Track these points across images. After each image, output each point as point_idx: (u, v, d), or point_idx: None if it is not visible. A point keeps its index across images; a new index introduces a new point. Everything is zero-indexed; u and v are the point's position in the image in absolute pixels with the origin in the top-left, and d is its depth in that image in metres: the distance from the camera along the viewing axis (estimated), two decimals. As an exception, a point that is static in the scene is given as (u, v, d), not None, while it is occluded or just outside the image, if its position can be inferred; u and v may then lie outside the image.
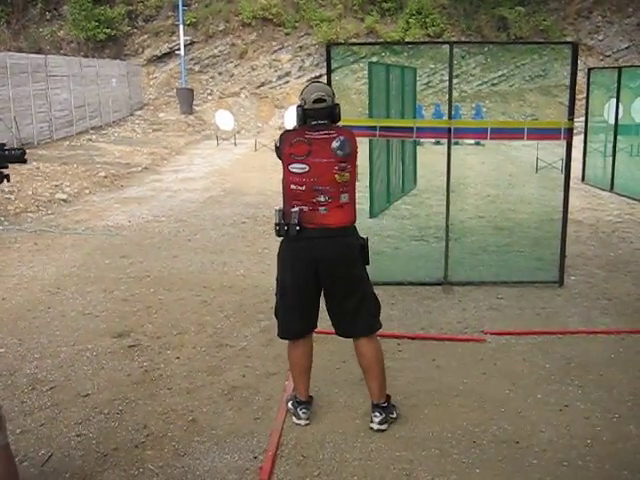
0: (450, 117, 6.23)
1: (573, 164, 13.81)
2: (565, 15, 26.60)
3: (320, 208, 3.65)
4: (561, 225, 6.65)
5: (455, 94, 24.00)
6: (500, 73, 24.47)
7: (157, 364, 4.79)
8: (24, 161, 3.11)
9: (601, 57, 25.78)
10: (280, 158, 3.76)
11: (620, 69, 12.61)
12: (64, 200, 11.03)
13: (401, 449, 3.68)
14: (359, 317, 3.82)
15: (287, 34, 26.34)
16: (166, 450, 3.69)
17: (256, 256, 7.72)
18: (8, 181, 3.09)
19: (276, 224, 3.72)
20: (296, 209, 3.65)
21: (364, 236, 3.85)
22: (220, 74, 26.11)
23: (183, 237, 8.73)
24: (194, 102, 24.69)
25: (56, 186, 11.73)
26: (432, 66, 24.28)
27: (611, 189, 12.16)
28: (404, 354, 4.94)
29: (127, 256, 7.73)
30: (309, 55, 25.94)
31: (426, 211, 10.01)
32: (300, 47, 26.01)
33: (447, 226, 6.70)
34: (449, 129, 6.11)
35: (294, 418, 3.98)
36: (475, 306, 5.99)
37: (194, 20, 26.57)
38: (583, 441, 3.77)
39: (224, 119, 18.84)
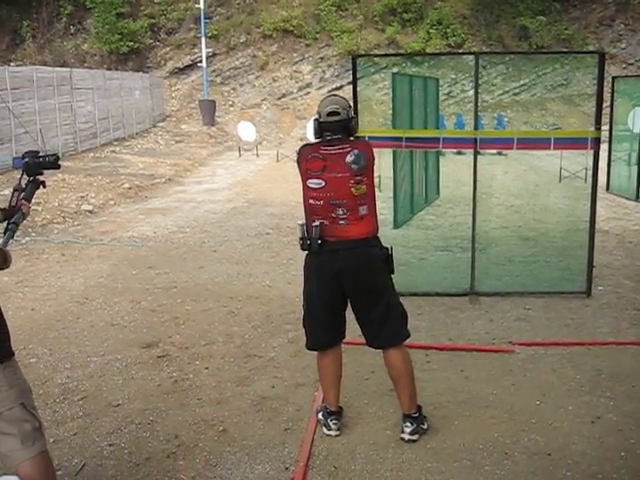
0: (476, 127, 6.23)
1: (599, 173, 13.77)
2: (587, 24, 26.49)
3: (340, 221, 3.68)
4: (588, 235, 6.57)
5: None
6: (522, 82, 24.42)
7: (186, 374, 4.82)
8: (58, 167, 3.15)
9: (624, 65, 25.62)
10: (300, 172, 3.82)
11: (645, 78, 12.51)
12: (90, 211, 11.15)
13: (432, 460, 3.66)
14: (386, 326, 3.81)
15: (308, 45, 26.48)
16: (198, 460, 3.71)
17: (281, 267, 7.74)
18: (44, 187, 3.14)
19: (300, 238, 3.77)
20: (317, 223, 3.67)
21: (388, 246, 3.84)
22: (241, 85, 26.31)
23: (208, 248, 8.78)
24: (216, 114, 24.87)
25: (82, 197, 11.86)
26: (453, 76, 24.28)
27: (637, 198, 12.06)
28: (432, 365, 4.93)
29: (153, 267, 7.79)
30: (330, 66, 26.04)
31: (450, 221, 9.99)
32: (321, 58, 26.13)
33: (473, 236, 6.70)
34: (475, 139, 6.11)
35: (324, 429, 3.98)
36: (502, 317, 5.96)
37: (215, 32, 26.81)
38: (617, 454, 3.73)
39: (246, 130, 18.95)
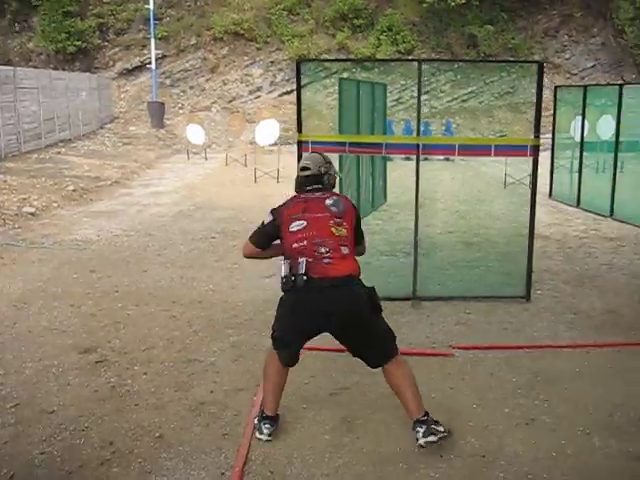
0: (419, 133, 6.30)
1: (541, 180, 14.04)
2: (533, 34, 27.06)
3: (324, 260, 3.78)
4: (528, 240, 6.68)
5: (425, 110, 24.28)
6: (470, 90, 24.79)
7: (124, 380, 4.75)
8: None
9: (568, 75, 26.24)
10: (277, 233, 3.97)
11: (586, 87, 12.85)
12: (31, 214, 10.91)
13: (369, 464, 3.68)
14: (374, 351, 3.98)
15: (259, 49, 26.45)
16: (132, 467, 3.65)
17: (226, 271, 7.70)
18: None
19: (283, 276, 3.82)
20: (302, 259, 3.77)
21: (370, 285, 3.94)
22: (191, 88, 26.11)
23: (152, 251, 8.67)
24: (165, 116, 24.62)
25: (24, 199, 11.60)
26: (403, 82, 24.49)
27: (577, 205, 12.35)
28: (372, 369, 4.94)
29: (95, 271, 7.66)
30: (280, 70, 26.04)
31: (395, 226, 10.06)
32: (272, 62, 26.11)
33: (415, 242, 6.77)
34: (418, 145, 6.17)
35: (257, 433, 3.96)
36: (443, 321, 6.04)
37: (165, 34, 26.57)
38: (548, 454, 3.81)
39: (195, 133, 18.81)
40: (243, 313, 6.21)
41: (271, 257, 4.29)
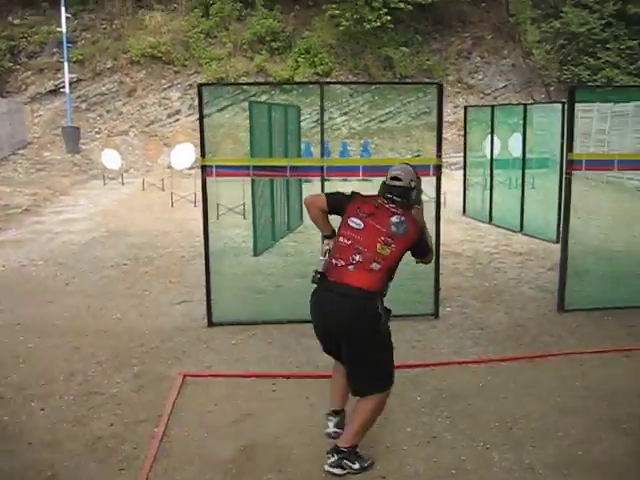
0: (322, 155, 6.34)
1: (455, 198, 14.35)
2: (447, 55, 27.76)
3: (349, 266, 3.78)
4: (434, 258, 6.75)
5: (344, 131, 24.59)
6: (387, 110, 25.17)
7: (19, 417, 4.55)
8: None
9: (481, 95, 26.99)
10: (341, 211, 3.98)
11: (493, 107, 13.24)
12: None
13: (268, 492, 3.63)
14: (354, 377, 3.94)
15: (177, 72, 26.20)
16: (20, 510, 3.49)
17: (135, 298, 7.53)
18: None
19: (314, 272, 3.95)
20: (324, 258, 3.97)
21: (389, 307, 3.87)
22: (108, 112, 25.63)
23: (60, 281, 8.41)
24: (81, 141, 24.08)
25: None
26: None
27: (490, 221, 12.66)
28: (278, 394, 4.91)
29: (-3, 303, 7.37)
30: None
31: (311, 247, 10.02)
32: (190, 85, 25.87)
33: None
34: (321, 167, 6.20)
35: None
36: (352, 341, 6.04)
37: (80, 57, 26.04)
38: (448, 472, 3.84)
39: (111, 158, 18.44)
40: (149, 341, 6.07)
41: (318, 225, 4.20)
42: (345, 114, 24.84)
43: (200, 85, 6.29)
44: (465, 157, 14.04)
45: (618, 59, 26.68)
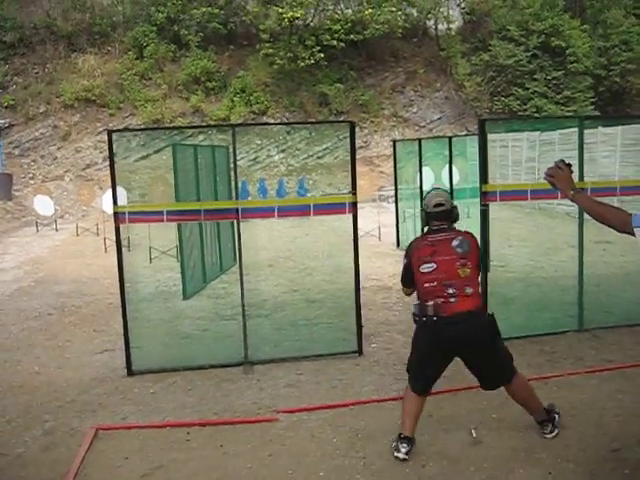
0: (237, 197, 6.32)
1: (391, 231, 14.43)
2: (381, 90, 28.25)
3: (451, 299, 4.29)
4: (354, 294, 6.78)
5: (282, 168, 24.70)
6: (324, 146, 25.41)
7: None
8: None
9: (417, 128, 27.50)
10: (410, 268, 4.49)
11: (420, 140, 13.46)
12: None
13: None
14: (498, 374, 4.52)
15: (112, 115, 26.03)
16: None
17: (56, 350, 7.33)
18: None
19: (415, 315, 4.50)
20: (431, 303, 4.33)
21: (491, 312, 4.55)
22: (42, 157, 25.25)
23: (-21, 335, 8.15)
24: (14, 187, 23.63)
25: None
26: (258, 142, 24.84)
27: (422, 253, 12.76)
28: (192, 443, 4.81)
29: None
30: (135, 135, 25.67)
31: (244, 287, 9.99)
32: (126, 128, 25.75)
33: (243, 305, 6.71)
34: (237, 209, 6.18)
35: (395, 452, 4.43)
36: (273, 384, 5.98)
37: (12, 102, 25.68)
38: (357, 516, 3.79)
39: (43, 204, 18.13)
40: (65, 395, 5.90)
41: None
42: (283, 151, 24.99)
43: (110, 131, 6.23)
44: (396, 190, 14.21)
45: (545, 89, 27.56)
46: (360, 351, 6.73)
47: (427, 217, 4.52)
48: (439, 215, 4.46)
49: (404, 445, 4.42)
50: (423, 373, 4.55)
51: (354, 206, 6.35)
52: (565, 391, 5.61)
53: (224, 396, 5.73)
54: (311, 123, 26.94)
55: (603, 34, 29.77)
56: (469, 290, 4.33)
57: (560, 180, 3.58)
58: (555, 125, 16.98)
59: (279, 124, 25.45)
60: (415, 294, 4.62)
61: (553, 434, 4.59)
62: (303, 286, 10.10)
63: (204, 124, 24.23)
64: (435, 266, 4.33)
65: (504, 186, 8.22)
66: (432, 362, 4.52)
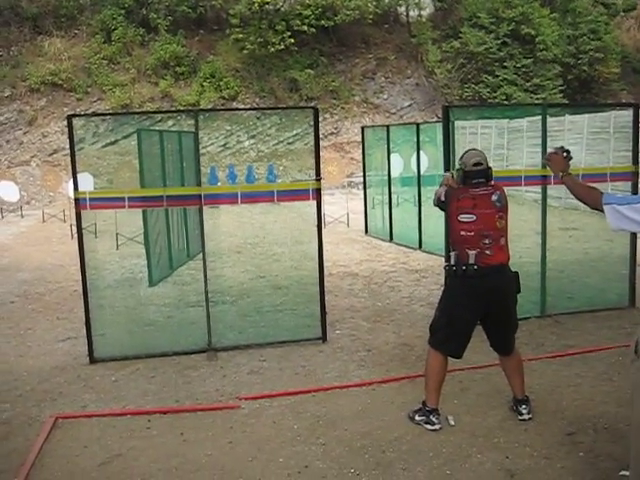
0: (199, 184, 6.27)
1: (360, 217, 14.45)
2: (352, 76, 28.20)
3: (486, 250, 4.52)
4: (318, 281, 6.77)
5: (252, 154, 24.58)
6: (295, 132, 25.32)
7: None
8: None
9: (387, 114, 27.51)
10: (445, 209, 4.73)
11: (388, 127, 13.47)
12: None
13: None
14: (506, 341, 4.81)
15: (79, 99, 25.67)
16: None
17: (17, 338, 7.23)
18: None
19: (452, 265, 4.62)
20: (473, 252, 4.51)
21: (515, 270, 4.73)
22: (8, 142, 24.83)
23: (-62, 324, 8.01)
24: (-21, 173, 23.24)
25: None
26: (228, 128, 24.68)
27: (391, 239, 12.82)
28: (152, 431, 4.78)
29: None
30: (103, 120, 25.36)
31: (209, 274, 9.93)
32: (94, 112, 25.41)
33: (206, 291, 6.67)
34: (199, 196, 6.13)
35: (428, 426, 4.64)
36: (236, 371, 5.96)
37: (-24, 86, 25.23)
38: (315, 502, 3.80)
39: (8, 190, 17.83)
40: (25, 384, 5.83)
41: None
42: (253, 137, 24.86)
43: (70, 116, 6.14)
44: (365, 177, 14.22)
45: (515, 77, 27.71)
46: (324, 337, 6.74)
47: (464, 175, 4.64)
48: (478, 173, 4.61)
49: (436, 417, 4.69)
50: (456, 332, 4.66)
51: (318, 193, 6.33)
52: (526, 377, 5.66)
53: (186, 383, 5.70)
54: (274, 109, 26.69)
55: (572, 23, 29.99)
56: (502, 241, 4.60)
57: (554, 163, 4.11)
58: (523, 112, 17.06)
59: (242, 109, 25.07)
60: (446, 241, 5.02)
61: (530, 415, 4.76)
62: (270, 272, 10.09)
63: (168, 109, 23.91)
64: (475, 218, 4.53)
65: (468, 173, 8.22)
66: (467, 317, 4.64)
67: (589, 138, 16.88)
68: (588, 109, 18.31)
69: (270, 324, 7.30)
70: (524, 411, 4.78)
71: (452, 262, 4.62)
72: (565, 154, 4.10)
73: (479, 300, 4.58)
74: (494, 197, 4.57)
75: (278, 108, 25.41)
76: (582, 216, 13.59)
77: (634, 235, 7.42)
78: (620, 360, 5.89)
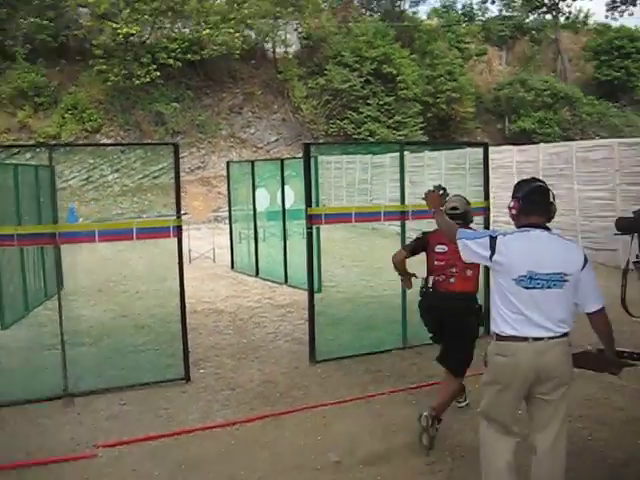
0: (56, 222, 6.02)
1: (227, 252, 14.30)
2: (219, 111, 28.25)
3: (450, 279, 5.18)
4: (180, 319, 6.64)
5: (117, 188, 23.96)
6: (161, 166, 24.93)
7: None
8: None
9: (254, 149, 27.71)
10: (423, 247, 5.37)
11: (253, 162, 13.55)
12: None
13: None
14: (448, 357, 5.30)
15: None
16: None
17: None
18: None
19: (421, 287, 5.37)
20: (437, 278, 5.24)
21: (480, 304, 5.36)
22: None
23: None
24: None
25: None
26: (91, 161, 23.98)
27: (257, 275, 12.81)
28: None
29: None
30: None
31: (68, 315, 9.52)
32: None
33: (62, 333, 6.40)
34: (54, 234, 5.87)
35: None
36: (94, 417, 5.71)
37: None
38: None
39: None
40: None
41: (400, 272, 5.50)
42: (117, 171, 24.26)
43: None
44: (230, 212, 14.19)
45: (378, 114, 28.76)
46: (188, 377, 6.59)
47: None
48: (453, 217, 4.93)
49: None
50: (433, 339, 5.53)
51: (179, 230, 6.23)
52: (388, 408, 5.80)
53: (40, 434, 5.39)
54: (134, 145, 25.67)
55: (430, 64, 31.61)
56: (469, 273, 5.15)
57: (429, 199, 4.49)
58: (385, 149, 17.72)
59: (101, 145, 23.78)
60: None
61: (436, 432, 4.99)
62: (133, 311, 9.78)
63: (22, 143, 22.79)
64: (447, 249, 5.08)
65: (329, 209, 8.45)
66: (426, 324, 5.42)
67: (447, 173, 17.70)
68: (442, 147, 19.25)
69: (131, 366, 7.05)
70: (434, 425, 4.99)
71: (421, 284, 5.36)
72: (441, 192, 4.53)
73: (434, 318, 5.29)
74: None
75: (138, 144, 24.71)
76: (441, 248, 14.17)
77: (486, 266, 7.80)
78: (477, 387, 6.14)
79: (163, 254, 15.88)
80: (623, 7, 46.41)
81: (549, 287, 3.51)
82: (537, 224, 3.64)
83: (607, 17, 53.81)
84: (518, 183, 3.86)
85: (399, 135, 28.13)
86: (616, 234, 4.39)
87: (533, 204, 3.66)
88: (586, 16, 47.10)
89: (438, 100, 30.78)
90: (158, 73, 25.69)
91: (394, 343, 7.69)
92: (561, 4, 43.16)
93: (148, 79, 25.66)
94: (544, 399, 3.59)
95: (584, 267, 3.58)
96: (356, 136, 28.10)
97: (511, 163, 16.06)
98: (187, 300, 9.54)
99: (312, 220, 6.92)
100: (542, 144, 16.89)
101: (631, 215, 4.18)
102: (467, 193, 5.78)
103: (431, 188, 4.58)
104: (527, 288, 3.53)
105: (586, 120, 34.25)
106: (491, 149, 9.83)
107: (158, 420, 5.65)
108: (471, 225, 5.39)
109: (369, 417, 5.63)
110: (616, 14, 46.72)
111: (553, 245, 3.60)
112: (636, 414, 5.53)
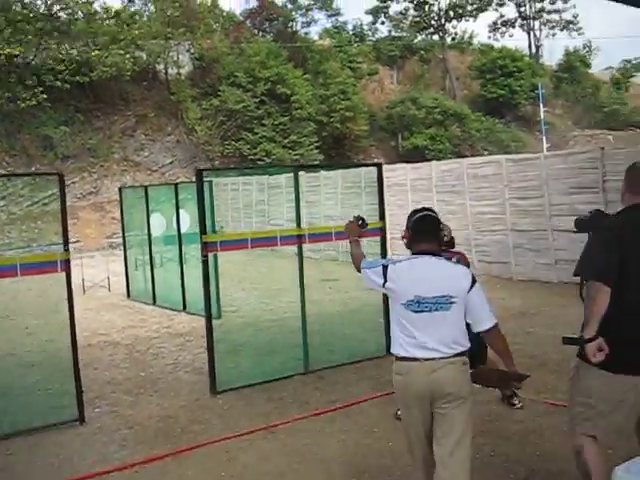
0: None
1: (121, 279, 13.84)
2: (111, 134, 27.51)
3: None
4: (72, 356, 6.32)
5: (3, 217, 22.83)
6: (51, 192, 23.92)
7: None
8: None
9: (149, 172, 27.11)
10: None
11: (146, 187, 13.22)
12: None
13: None
14: None
15: None
16: None
17: None
18: None
19: None
20: None
21: None
22: None
23: None
24: None
25: None
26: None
27: (154, 302, 12.43)
28: None
29: None
30: None
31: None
32: None
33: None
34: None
35: None
36: (-24, 472, 5.31)
37: None
38: None
39: None
40: None
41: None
42: (2, 198, 23.13)
43: None
44: (124, 238, 13.77)
45: (274, 134, 28.79)
46: (82, 418, 6.25)
47: None
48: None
49: None
50: None
51: (67, 264, 5.93)
52: (292, 438, 5.69)
53: None
54: (16, 175, 23.84)
55: (323, 83, 31.98)
56: None
57: (349, 229, 4.52)
58: (280, 171, 17.73)
59: None
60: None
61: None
62: (22, 348, 9.24)
63: None
64: None
65: (224, 236, 8.29)
66: None
67: (343, 192, 17.88)
68: (335, 168, 19.43)
69: (19, 410, 6.60)
70: None
71: None
72: (360, 222, 4.58)
73: None
74: (453, 260, 4.87)
75: (19, 175, 23.23)
76: (341, 267, 14.26)
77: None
78: (379, 411, 6.13)
79: (55, 285, 15.23)
80: (503, 29, 48.82)
81: (436, 310, 3.63)
82: (427, 250, 3.80)
83: (490, 38, 56.22)
84: (410, 213, 4.01)
85: (295, 155, 28.24)
86: (575, 232, 4.51)
87: (421, 233, 3.87)
88: (471, 37, 49.22)
89: (332, 119, 31.13)
90: (45, 96, 24.74)
91: (296, 368, 7.59)
92: (447, 25, 44.83)
93: (34, 102, 24.66)
94: (440, 412, 3.67)
95: (471, 288, 3.71)
96: (252, 157, 28.00)
97: (405, 181, 16.37)
98: (81, 333, 9.17)
99: (207, 248, 6.75)
100: (434, 161, 17.30)
101: (587, 214, 4.34)
102: (363, 212, 5.75)
103: (350, 219, 4.61)
104: (416, 312, 3.65)
105: (475, 136, 35.50)
106: (385, 167, 9.94)
107: (50, 469, 5.30)
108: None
109: (274, 448, 5.50)
110: (497, 35, 49.09)
111: (439, 269, 3.76)
112: (534, 426, 5.65)
